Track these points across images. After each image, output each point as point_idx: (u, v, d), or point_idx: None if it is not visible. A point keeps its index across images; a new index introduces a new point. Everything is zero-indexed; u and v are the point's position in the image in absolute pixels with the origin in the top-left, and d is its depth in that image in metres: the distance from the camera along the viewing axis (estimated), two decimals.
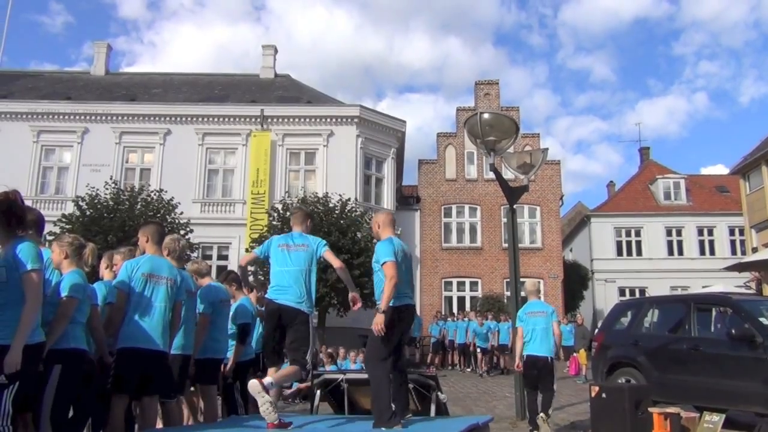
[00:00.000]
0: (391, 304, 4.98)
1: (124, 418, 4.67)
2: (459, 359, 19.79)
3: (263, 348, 5.73)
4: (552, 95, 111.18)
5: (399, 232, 23.91)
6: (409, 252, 5.55)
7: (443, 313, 23.02)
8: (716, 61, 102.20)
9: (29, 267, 3.64)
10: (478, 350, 18.30)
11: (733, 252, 30.33)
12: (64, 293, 4.26)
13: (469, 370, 18.62)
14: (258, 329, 6.79)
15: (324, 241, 5.43)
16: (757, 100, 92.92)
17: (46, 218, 4.62)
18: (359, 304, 5.34)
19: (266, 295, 5.34)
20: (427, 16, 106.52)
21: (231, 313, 6.29)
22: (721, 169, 55.23)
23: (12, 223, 3.74)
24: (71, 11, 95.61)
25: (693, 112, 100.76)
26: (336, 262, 5.29)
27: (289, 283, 5.18)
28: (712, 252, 31.03)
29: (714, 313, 8.34)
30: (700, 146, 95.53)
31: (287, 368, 5.17)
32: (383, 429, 4.73)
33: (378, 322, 4.92)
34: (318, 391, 6.75)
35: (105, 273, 5.42)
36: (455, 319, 20.74)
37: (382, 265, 5.07)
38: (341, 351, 14.95)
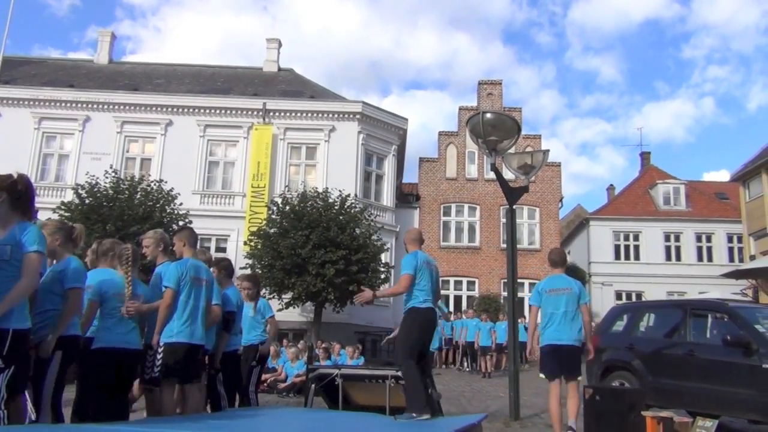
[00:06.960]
0: (413, 305, 5.76)
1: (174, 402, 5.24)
2: (466, 358, 19.20)
3: None
4: (558, 96, 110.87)
5: (398, 230, 24.00)
6: (435, 264, 6.17)
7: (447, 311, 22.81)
8: (726, 66, 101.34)
9: (33, 248, 3.66)
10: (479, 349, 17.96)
11: (731, 259, 30.32)
12: (69, 284, 4.27)
13: (476, 369, 18.11)
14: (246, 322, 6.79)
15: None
16: (765, 107, 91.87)
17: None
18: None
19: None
20: (436, 11, 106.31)
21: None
22: (724, 175, 55.18)
23: (18, 206, 3.77)
24: None
25: (700, 117, 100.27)
26: None
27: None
28: (710, 258, 31.06)
29: (710, 319, 8.33)
30: (705, 151, 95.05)
31: None
32: (413, 414, 5.32)
33: (365, 296, 6.03)
34: (313, 386, 6.77)
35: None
36: (461, 317, 20.47)
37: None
38: (336, 346, 14.97)
